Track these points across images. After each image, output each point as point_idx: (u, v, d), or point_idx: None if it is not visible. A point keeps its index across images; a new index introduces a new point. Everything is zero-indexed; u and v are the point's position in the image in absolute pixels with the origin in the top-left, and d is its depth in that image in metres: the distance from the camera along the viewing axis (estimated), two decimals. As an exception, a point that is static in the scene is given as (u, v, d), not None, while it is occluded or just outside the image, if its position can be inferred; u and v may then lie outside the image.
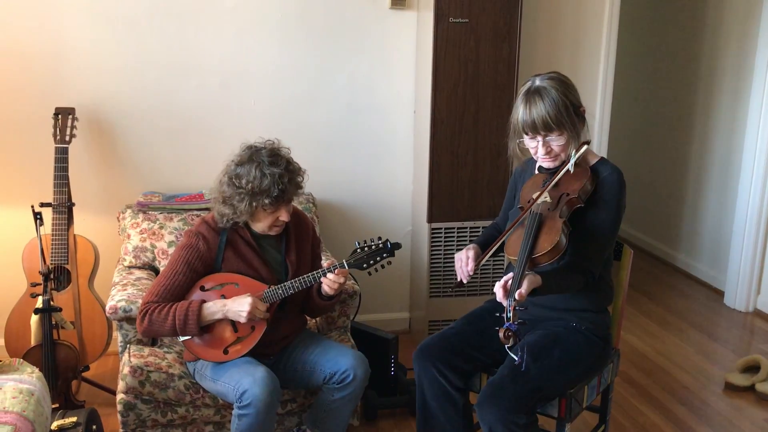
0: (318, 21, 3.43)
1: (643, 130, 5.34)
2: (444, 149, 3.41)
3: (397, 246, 2.46)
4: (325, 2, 3.42)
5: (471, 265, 2.20)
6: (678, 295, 4.52)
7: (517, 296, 1.90)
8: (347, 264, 2.43)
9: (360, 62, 3.52)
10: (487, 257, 2.22)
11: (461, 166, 3.44)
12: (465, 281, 2.21)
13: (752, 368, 3.40)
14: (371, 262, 2.44)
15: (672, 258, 5.04)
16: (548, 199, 2.15)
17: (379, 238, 2.47)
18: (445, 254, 3.53)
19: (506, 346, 1.89)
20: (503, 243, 2.20)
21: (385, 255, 2.45)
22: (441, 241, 3.51)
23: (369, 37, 3.50)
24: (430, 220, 3.48)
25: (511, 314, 1.89)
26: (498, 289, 1.96)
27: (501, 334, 1.88)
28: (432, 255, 3.52)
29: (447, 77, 3.32)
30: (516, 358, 2.01)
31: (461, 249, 2.33)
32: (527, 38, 3.57)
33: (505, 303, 1.93)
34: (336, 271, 2.40)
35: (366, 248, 2.45)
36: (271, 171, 2.33)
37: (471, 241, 2.47)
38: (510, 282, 1.95)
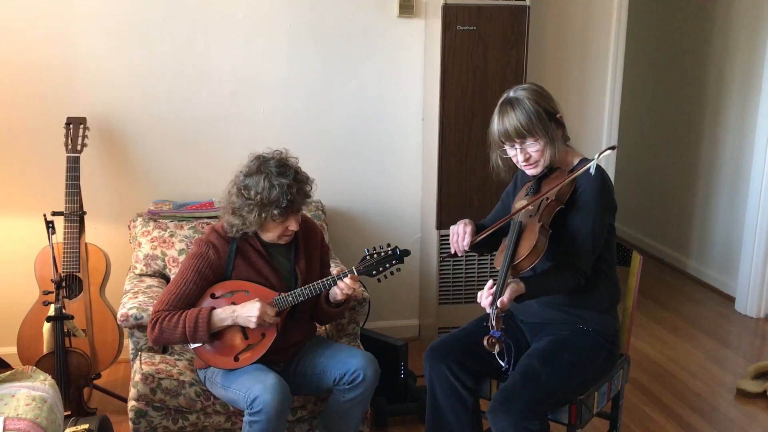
0: (327, 30, 3.45)
1: (652, 136, 5.33)
2: (452, 156, 3.41)
3: (406, 253, 2.47)
4: (334, 11, 3.44)
5: (467, 240, 2.27)
6: (688, 301, 4.50)
7: (499, 304, 1.95)
8: (356, 271, 2.43)
9: (368, 70, 3.54)
10: (481, 237, 2.26)
11: (470, 172, 3.44)
12: (459, 254, 2.30)
13: (764, 374, 3.38)
14: (380, 269, 2.45)
15: (682, 264, 5.01)
16: (530, 206, 2.19)
17: (389, 245, 2.48)
18: (454, 261, 3.53)
19: (494, 352, 1.92)
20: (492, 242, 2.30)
21: (394, 262, 2.46)
22: (450, 248, 3.50)
23: (377, 46, 3.52)
24: (439, 227, 3.49)
25: (494, 322, 1.92)
26: (480, 298, 2.01)
27: (485, 342, 1.92)
28: (441, 262, 3.52)
29: (455, 84, 3.33)
30: (503, 364, 2.04)
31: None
32: (535, 45, 3.58)
33: (488, 311, 1.97)
34: (345, 278, 2.41)
35: (375, 255, 2.46)
36: (279, 182, 2.34)
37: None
38: (493, 290, 2.00)
